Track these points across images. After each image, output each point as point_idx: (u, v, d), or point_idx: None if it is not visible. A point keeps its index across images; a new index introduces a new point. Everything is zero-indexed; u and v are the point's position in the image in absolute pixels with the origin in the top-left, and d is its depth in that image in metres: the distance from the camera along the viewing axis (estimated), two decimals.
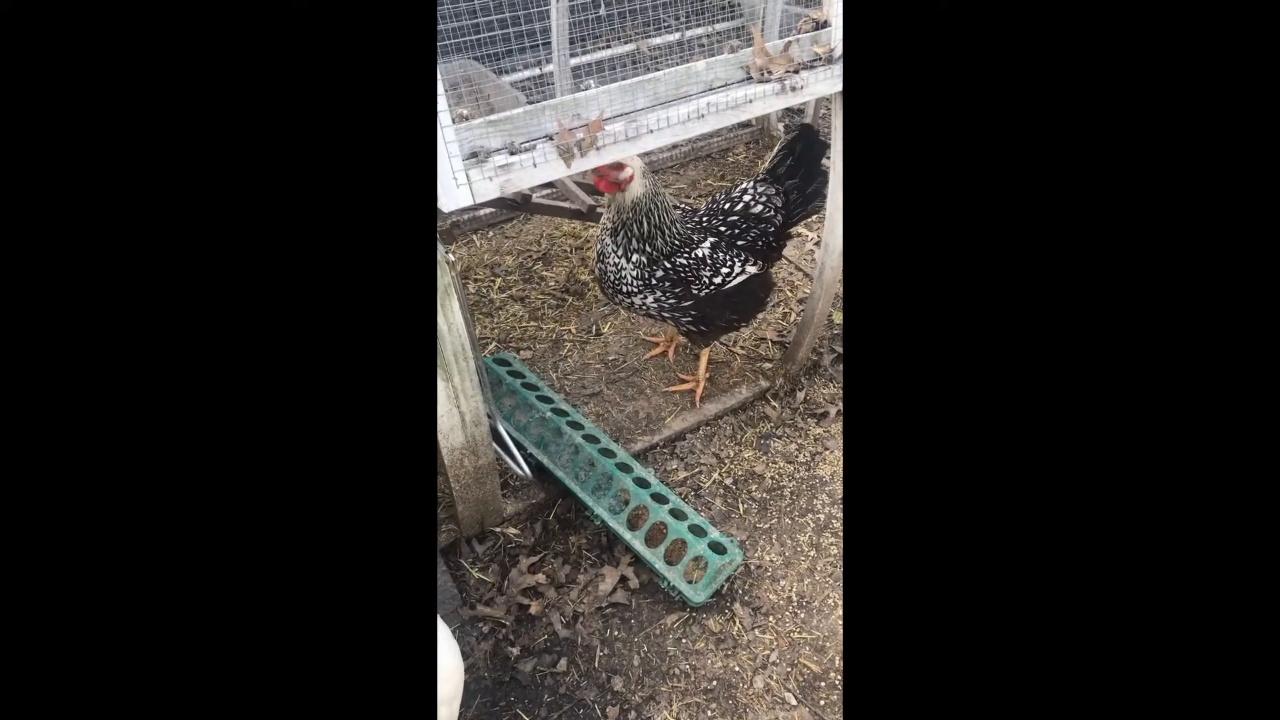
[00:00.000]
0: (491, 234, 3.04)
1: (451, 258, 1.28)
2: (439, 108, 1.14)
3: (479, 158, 1.26)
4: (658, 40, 3.27)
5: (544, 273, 2.83)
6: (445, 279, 1.33)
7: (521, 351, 2.49)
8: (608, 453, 2.00)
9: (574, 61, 2.85)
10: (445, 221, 1.28)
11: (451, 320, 1.38)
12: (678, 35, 3.24)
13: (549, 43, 2.71)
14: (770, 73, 1.51)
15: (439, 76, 1.11)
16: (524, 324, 2.60)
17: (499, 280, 2.78)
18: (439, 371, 1.43)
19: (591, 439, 2.04)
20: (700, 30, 3.18)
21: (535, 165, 1.29)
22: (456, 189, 1.22)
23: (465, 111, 1.28)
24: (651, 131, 1.38)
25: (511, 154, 1.28)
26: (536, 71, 3.06)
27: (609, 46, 3.34)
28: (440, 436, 1.54)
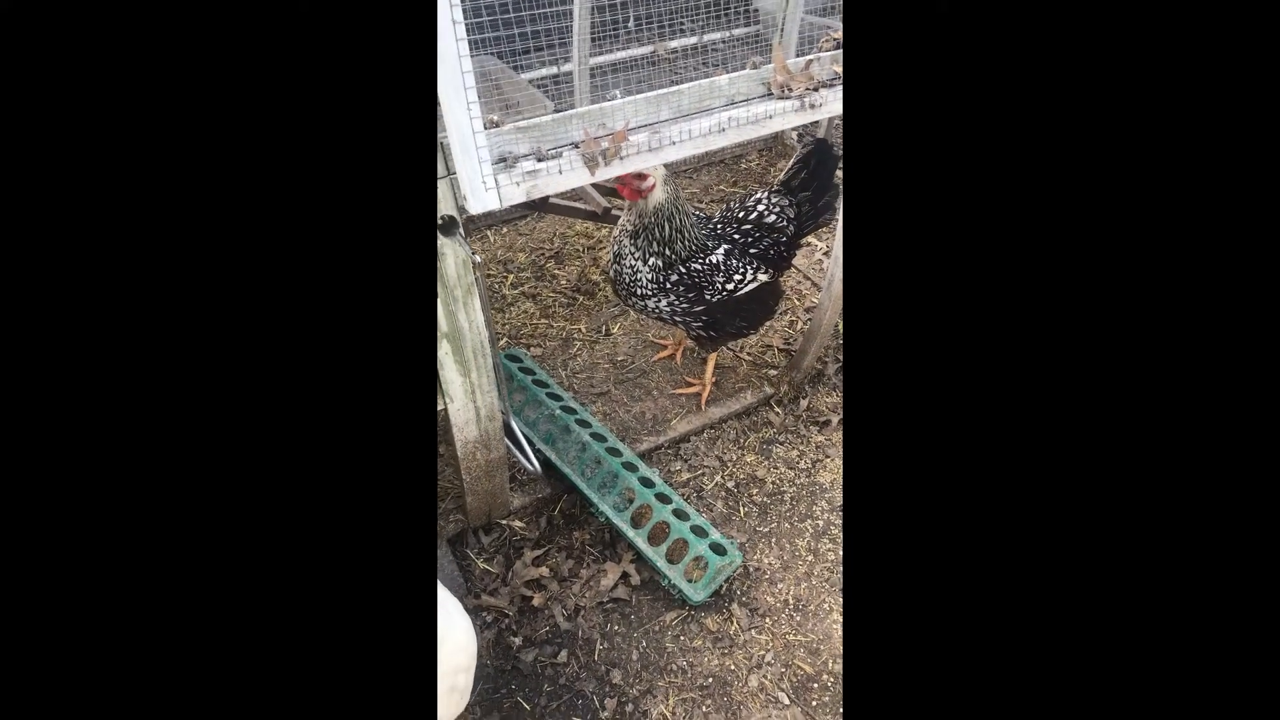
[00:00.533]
0: (505, 230, 3.08)
1: (478, 258, 1.33)
2: (472, 113, 1.18)
3: (507, 163, 1.30)
4: (675, 43, 3.31)
5: (556, 271, 2.87)
6: (469, 278, 1.38)
7: (531, 348, 2.53)
8: (614, 451, 2.05)
9: (593, 61, 2.89)
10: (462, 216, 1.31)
11: (472, 318, 1.43)
12: (695, 39, 3.28)
13: (566, 41, 2.74)
14: (790, 90, 1.55)
15: (473, 82, 1.15)
16: (535, 321, 2.65)
17: (511, 276, 2.83)
18: (458, 367, 1.48)
19: (599, 437, 2.08)
20: (717, 35, 3.22)
21: (561, 172, 1.33)
22: (485, 193, 1.26)
23: (495, 117, 1.32)
24: (674, 143, 1.42)
25: (539, 160, 1.32)
26: (554, 70, 3.10)
27: (626, 48, 3.38)
28: (455, 429, 1.59)
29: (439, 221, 1.30)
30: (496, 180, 1.27)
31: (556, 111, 1.36)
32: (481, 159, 1.23)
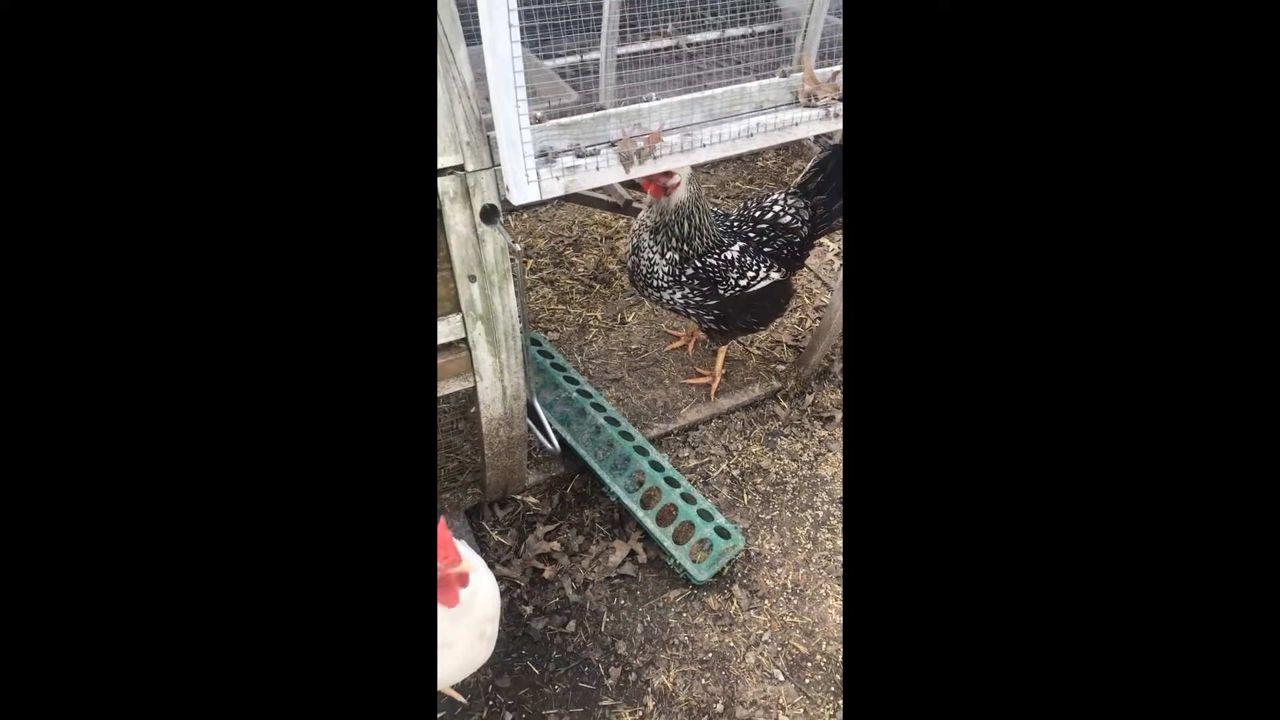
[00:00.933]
0: (525, 215, 3.16)
1: (518, 246, 1.41)
2: (520, 111, 1.26)
3: (548, 157, 1.38)
4: (697, 37, 3.36)
5: (574, 258, 2.95)
6: (505, 264, 1.46)
7: (548, 333, 2.62)
8: (627, 435, 2.14)
9: (618, 50, 2.94)
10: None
11: (506, 302, 1.51)
12: (717, 33, 3.33)
13: (589, 29, 2.78)
14: (817, 99, 1.62)
15: (524, 82, 1.23)
16: (552, 306, 2.73)
17: (530, 262, 2.90)
18: (489, 347, 1.56)
19: (612, 421, 2.17)
20: (739, 30, 3.27)
21: (598, 169, 1.41)
22: (527, 185, 1.34)
23: (539, 114, 1.39)
24: (705, 145, 1.50)
25: (578, 157, 1.39)
26: (577, 59, 3.16)
27: (649, 39, 3.44)
28: (482, 406, 1.67)
29: (482, 209, 1.38)
30: (538, 174, 1.35)
31: (580, 100, 1.43)
32: (526, 154, 1.31)
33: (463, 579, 1.21)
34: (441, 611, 1.22)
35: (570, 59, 3.12)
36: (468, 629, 1.28)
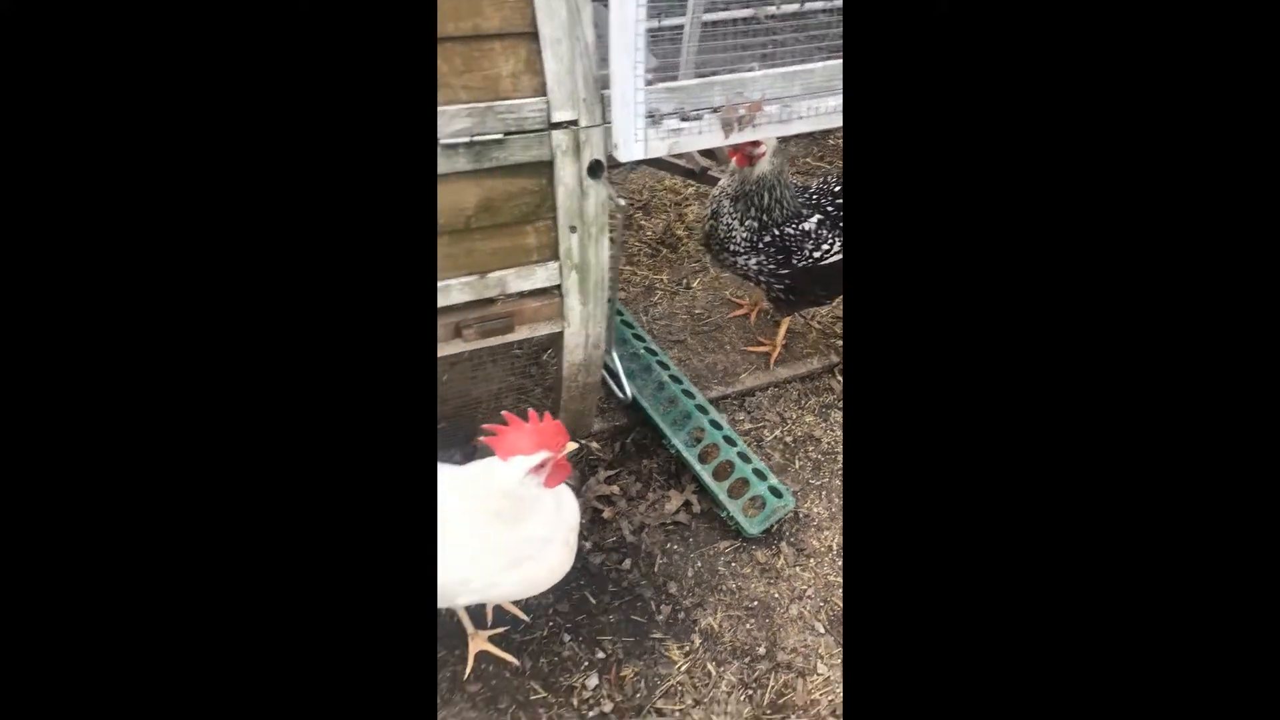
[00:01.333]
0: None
1: (621, 201, 1.50)
2: (637, 72, 1.34)
3: (654, 119, 1.46)
4: (771, 9, 3.35)
5: (643, 221, 3.03)
6: (604, 218, 1.55)
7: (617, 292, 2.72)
8: (688, 394, 2.24)
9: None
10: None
11: (600, 255, 1.61)
12: (796, 5, 3.32)
13: None
14: None
15: (644, 45, 1.30)
16: (620, 267, 2.82)
17: None
18: (580, 296, 1.67)
19: (676, 379, 2.27)
20: (819, 4, 3.26)
21: (699, 133, 1.49)
22: (634, 144, 1.43)
23: (649, 77, 1.47)
24: (801, 118, 1.56)
25: (682, 120, 1.47)
26: (655, 23, 3.19)
27: (727, 8, 3.44)
28: (565, 351, 1.78)
29: (590, 164, 1.47)
30: (646, 133, 1.44)
31: (660, 66, 1.49)
32: (637, 113, 1.39)
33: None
34: (546, 512, 1.38)
35: (651, 23, 3.14)
36: (560, 530, 1.43)
